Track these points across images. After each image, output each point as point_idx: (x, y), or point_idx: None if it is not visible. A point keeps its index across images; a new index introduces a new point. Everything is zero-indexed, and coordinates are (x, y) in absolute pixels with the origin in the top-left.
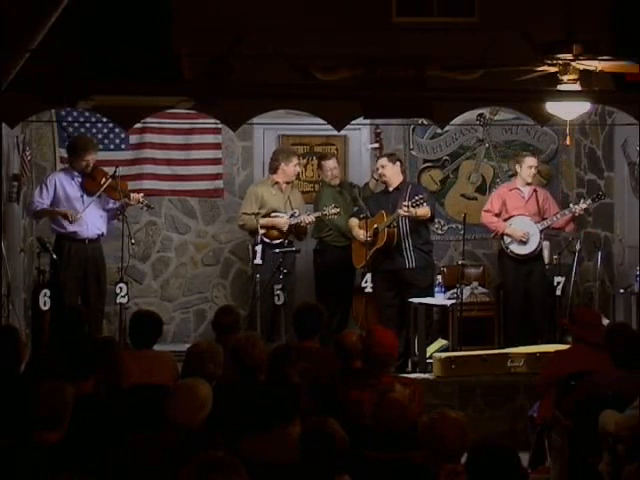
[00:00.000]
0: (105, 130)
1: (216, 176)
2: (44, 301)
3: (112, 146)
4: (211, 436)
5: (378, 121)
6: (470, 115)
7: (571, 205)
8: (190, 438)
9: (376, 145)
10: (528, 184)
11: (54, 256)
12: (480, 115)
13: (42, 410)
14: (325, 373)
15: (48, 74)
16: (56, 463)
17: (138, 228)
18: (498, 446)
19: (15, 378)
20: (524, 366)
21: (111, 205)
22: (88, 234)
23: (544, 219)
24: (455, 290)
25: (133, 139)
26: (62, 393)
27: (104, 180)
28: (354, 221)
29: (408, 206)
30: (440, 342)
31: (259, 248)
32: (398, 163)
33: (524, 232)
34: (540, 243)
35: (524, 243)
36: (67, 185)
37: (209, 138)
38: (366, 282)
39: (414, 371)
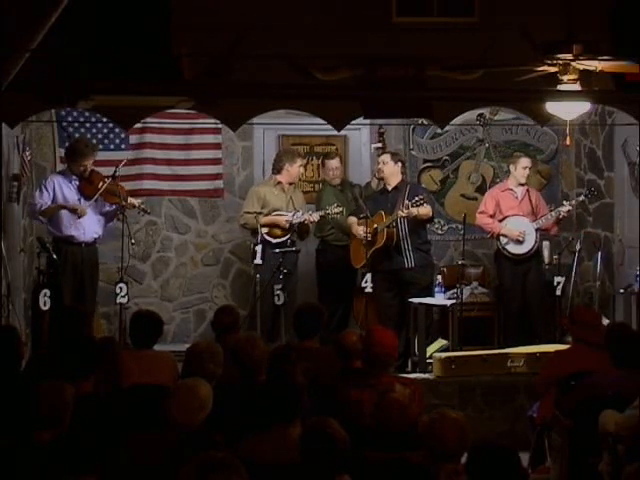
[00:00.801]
0: (105, 130)
1: (216, 176)
2: (44, 301)
3: (112, 146)
4: (211, 436)
5: (378, 121)
6: (470, 115)
7: (564, 202)
8: (190, 438)
9: (379, 145)
10: (521, 185)
11: (54, 256)
12: (480, 115)
13: (42, 410)
14: (325, 373)
15: (48, 74)
16: (56, 463)
17: (138, 228)
18: (498, 446)
19: (15, 378)
20: (524, 366)
21: (107, 208)
22: (85, 238)
23: (538, 219)
24: (455, 290)
25: (133, 139)
26: (62, 393)
27: (101, 184)
28: (352, 219)
29: (408, 207)
30: (440, 342)
31: (259, 248)
32: (400, 164)
33: (520, 232)
34: (536, 242)
35: (520, 243)
36: (65, 188)
37: (209, 138)
38: (366, 282)
39: (414, 371)
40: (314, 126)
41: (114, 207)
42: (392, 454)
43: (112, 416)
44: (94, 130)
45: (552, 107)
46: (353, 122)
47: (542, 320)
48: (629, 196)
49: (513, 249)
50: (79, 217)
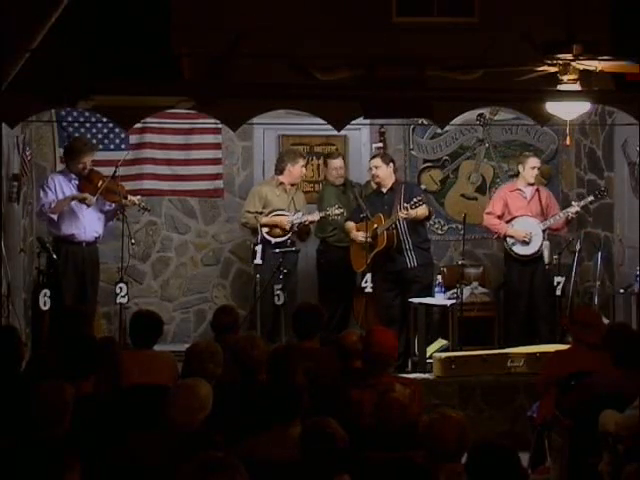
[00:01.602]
0: (105, 130)
1: (216, 176)
2: (44, 301)
3: (112, 146)
4: (211, 436)
5: (378, 121)
6: (470, 115)
7: (573, 203)
8: (190, 438)
9: (380, 145)
10: (530, 184)
11: (54, 256)
12: (480, 115)
13: (42, 410)
14: (325, 373)
15: (48, 74)
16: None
17: (138, 228)
18: (498, 446)
19: (15, 378)
20: (524, 366)
21: (107, 207)
22: (86, 237)
23: (547, 219)
24: (455, 290)
25: (133, 139)
26: (62, 393)
27: (101, 183)
28: (350, 224)
29: (407, 209)
30: (440, 342)
31: (259, 248)
32: (391, 164)
33: (526, 233)
34: (542, 243)
35: (527, 243)
36: (65, 187)
37: (209, 138)
38: (366, 282)
39: (414, 371)
40: (314, 126)
41: (114, 206)
42: (392, 454)
43: (112, 416)
44: (94, 130)
45: (552, 107)
46: (353, 122)
47: (547, 321)
48: (629, 196)
49: (520, 250)
50: (88, 206)
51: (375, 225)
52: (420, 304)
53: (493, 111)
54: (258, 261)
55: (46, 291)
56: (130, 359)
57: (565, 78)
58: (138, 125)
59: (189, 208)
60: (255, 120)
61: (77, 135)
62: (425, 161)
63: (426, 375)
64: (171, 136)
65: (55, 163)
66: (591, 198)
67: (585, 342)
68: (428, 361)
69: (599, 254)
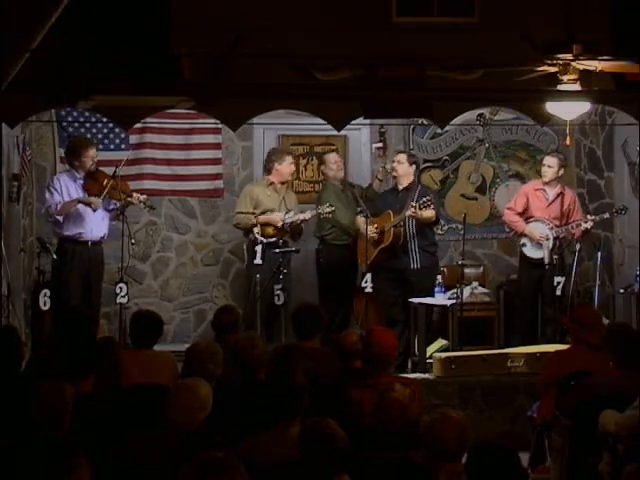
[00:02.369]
0: (105, 130)
1: (216, 176)
2: (44, 301)
3: (112, 146)
4: (211, 436)
5: (378, 121)
6: (470, 115)
7: (588, 217)
8: (190, 438)
9: (380, 145)
10: (546, 184)
11: (54, 256)
12: (480, 115)
13: (42, 410)
14: (325, 373)
15: (48, 74)
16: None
17: (138, 228)
18: (498, 446)
19: (15, 378)
20: (524, 366)
21: (112, 206)
22: (92, 236)
23: (565, 224)
24: (455, 290)
25: (133, 139)
26: (62, 393)
27: (106, 181)
28: (361, 219)
29: (415, 207)
30: (440, 342)
31: (259, 248)
32: (414, 166)
33: (541, 235)
34: (552, 251)
35: (540, 246)
36: (70, 187)
37: (209, 138)
38: (366, 282)
39: (414, 371)
40: (314, 126)
41: (118, 205)
42: (392, 454)
43: (112, 416)
44: (94, 130)
45: (552, 107)
46: (353, 122)
47: (549, 323)
48: (629, 196)
49: (529, 252)
50: (94, 210)
51: (383, 223)
52: (420, 304)
53: (493, 111)
54: (258, 261)
55: (46, 291)
56: (130, 359)
57: (565, 78)
58: (138, 125)
59: (189, 208)
60: (255, 120)
61: (76, 135)
62: (425, 161)
63: (426, 375)
64: (171, 136)
65: (55, 163)
66: (606, 216)
67: (585, 342)
68: (428, 361)
69: (599, 254)
